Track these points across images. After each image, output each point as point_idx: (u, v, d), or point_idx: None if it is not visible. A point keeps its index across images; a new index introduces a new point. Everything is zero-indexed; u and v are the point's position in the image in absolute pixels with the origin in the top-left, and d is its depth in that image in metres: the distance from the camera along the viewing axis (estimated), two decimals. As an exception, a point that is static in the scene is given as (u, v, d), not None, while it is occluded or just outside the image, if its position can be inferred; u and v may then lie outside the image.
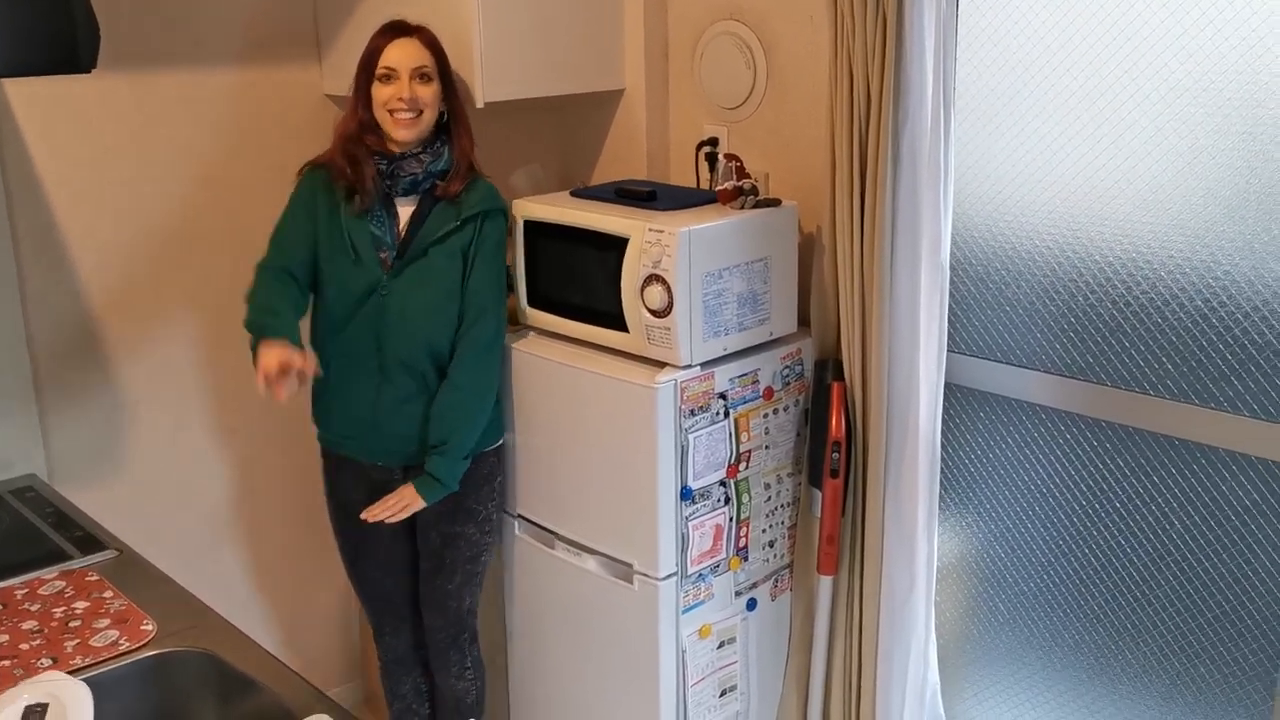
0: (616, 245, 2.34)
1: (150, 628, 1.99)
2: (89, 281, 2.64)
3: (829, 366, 2.49)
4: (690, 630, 2.44)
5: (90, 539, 2.31)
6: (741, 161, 2.44)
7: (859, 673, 2.58)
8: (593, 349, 2.46)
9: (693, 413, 2.33)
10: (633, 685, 2.47)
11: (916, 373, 2.38)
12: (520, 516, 2.67)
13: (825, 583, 2.56)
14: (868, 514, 2.48)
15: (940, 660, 2.69)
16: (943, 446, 2.53)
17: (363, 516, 2.48)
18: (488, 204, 2.45)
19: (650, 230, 2.27)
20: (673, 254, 2.24)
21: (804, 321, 2.56)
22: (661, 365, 2.33)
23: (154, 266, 2.72)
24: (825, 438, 2.45)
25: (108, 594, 2.09)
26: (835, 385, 2.45)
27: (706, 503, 2.41)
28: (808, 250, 2.55)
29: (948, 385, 2.55)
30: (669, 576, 2.38)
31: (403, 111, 2.35)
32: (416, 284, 2.42)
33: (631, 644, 2.45)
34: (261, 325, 2.34)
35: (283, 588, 3.12)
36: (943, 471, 2.62)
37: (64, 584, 2.12)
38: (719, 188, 2.43)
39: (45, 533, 2.33)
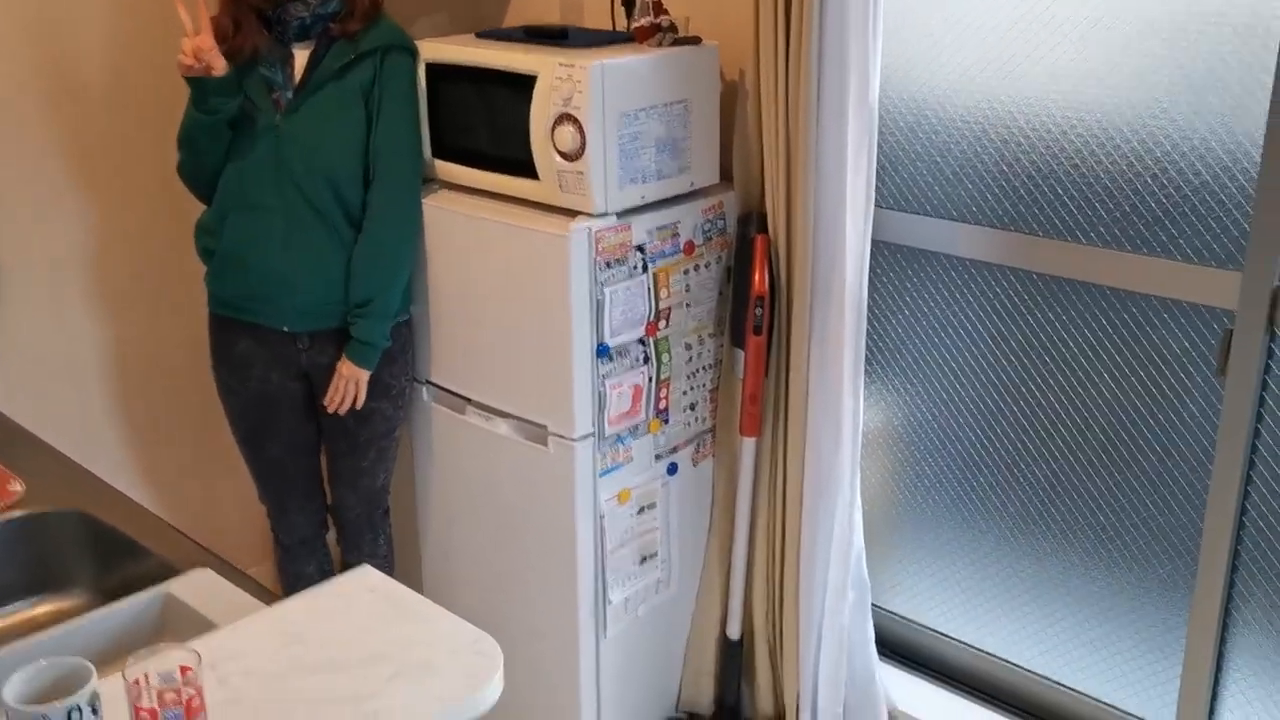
0: (524, 85, 2.18)
1: (18, 489, 1.85)
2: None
3: (752, 220, 2.38)
4: (609, 495, 2.35)
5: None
6: (660, -1, 2.29)
7: (783, 537, 2.52)
8: (503, 201, 2.32)
9: (609, 265, 2.21)
10: (550, 553, 2.38)
11: (843, 226, 2.28)
12: (430, 383, 2.54)
13: (748, 444, 2.47)
14: (791, 373, 2.39)
15: (866, 525, 2.63)
16: (870, 304, 2.45)
17: (330, 410, 2.39)
18: (388, 39, 2.29)
19: (560, 66, 2.12)
20: (584, 91, 2.09)
21: (727, 176, 2.44)
22: (575, 215, 2.20)
23: (25, 111, 2.50)
24: (748, 295, 2.35)
25: (-24, 459, 1.94)
26: (759, 238, 2.34)
27: (624, 361, 2.30)
28: (730, 100, 2.42)
29: (875, 242, 2.46)
30: (585, 438, 2.28)
31: None
32: (312, 121, 2.27)
33: (548, 510, 2.35)
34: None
35: (184, 468, 2.98)
36: (870, 331, 2.54)
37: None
38: (635, 24, 2.28)
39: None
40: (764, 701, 2.64)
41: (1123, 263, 2.15)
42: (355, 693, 1.30)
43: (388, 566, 2.69)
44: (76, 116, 2.55)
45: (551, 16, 2.69)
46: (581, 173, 2.15)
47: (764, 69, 2.25)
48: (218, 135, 2.27)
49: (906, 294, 2.50)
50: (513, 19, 2.81)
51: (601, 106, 2.11)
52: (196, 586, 1.59)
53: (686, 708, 2.70)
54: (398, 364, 2.50)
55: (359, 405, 2.41)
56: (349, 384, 2.39)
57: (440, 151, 2.39)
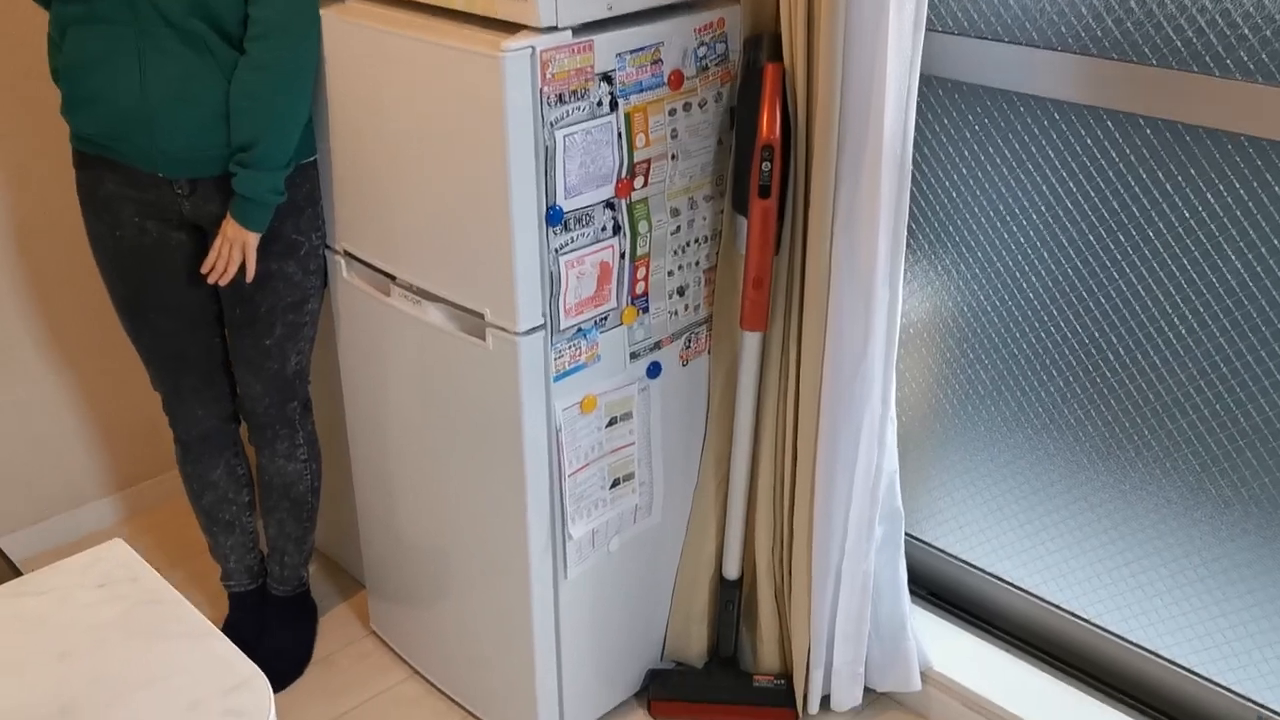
0: None
1: None
2: None
3: (763, 44, 1.78)
4: (568, 402, 1.82)
5: None
6: None
7: (794, 457, 1.99)
8: (427, 12, 1.74)
9: (561, 99, 1.64)
10: (493, 474, 1.87)
11: (883, 53, 1.68)
12: (347, 254, 2.00)
13: (751, 340, 1.93)
14: (809, 248, 1.82)
15: (901, 442, 2.10)
16: (915, 159, 1.86)
17: (209, 280, 1.91)
18: None
19: None
20: None
21: (731, -15, 1.84)
22: (517, 30, 1.62)
23: None
24: (754, 145, 1.77)
25: None
26: (769, 67, 1.75)
27: (586, 231, 1.74)
28: (738, -122, 1.80)
29: (925, 76, 1.88)
30: (533, 330, 1.74)
31: None
32: None
33: (488, 421, 1.83)
34: None
35: (75, 349, 2.49)
36: (914, 194, 1.96)
37: None
38: None
39: None
40: (768, 654, 2.15)
41: (1266, 100, 1.54)
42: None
43: (309, 473, 2.20)
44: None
45: None
46: (521, -31, 1.56)
47: None
48: None
49: (964, 145, 1.91)
50: None
51: (546, -128, 1.52)
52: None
53: (674, 657, 2.21)
54: (305, 216, 1.97)
55: (249, 275, 1.89)
56: (234, 247, 1.87)
57: (349, -52, 1.81)
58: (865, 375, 1.87)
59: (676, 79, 1.78)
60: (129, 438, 2.64)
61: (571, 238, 1.73)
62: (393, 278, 1.91)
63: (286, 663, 2.26)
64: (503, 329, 1.74)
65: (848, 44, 1.70)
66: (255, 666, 0.84)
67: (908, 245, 1.91)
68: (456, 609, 2.07)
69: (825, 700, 2.12)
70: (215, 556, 2.28)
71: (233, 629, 2.31)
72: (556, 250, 1.71)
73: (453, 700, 2.18)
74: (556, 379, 1.79)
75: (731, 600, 2.12)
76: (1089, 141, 1.76)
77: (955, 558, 2.18)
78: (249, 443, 2.19)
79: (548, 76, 1.61)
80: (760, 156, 1.76)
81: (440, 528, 2.03)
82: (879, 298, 1.82)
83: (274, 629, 2.29)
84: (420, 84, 1.70)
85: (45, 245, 2.39)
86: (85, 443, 2.59)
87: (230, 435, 2.18)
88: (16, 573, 1.09)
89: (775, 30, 1.79)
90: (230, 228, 1.86)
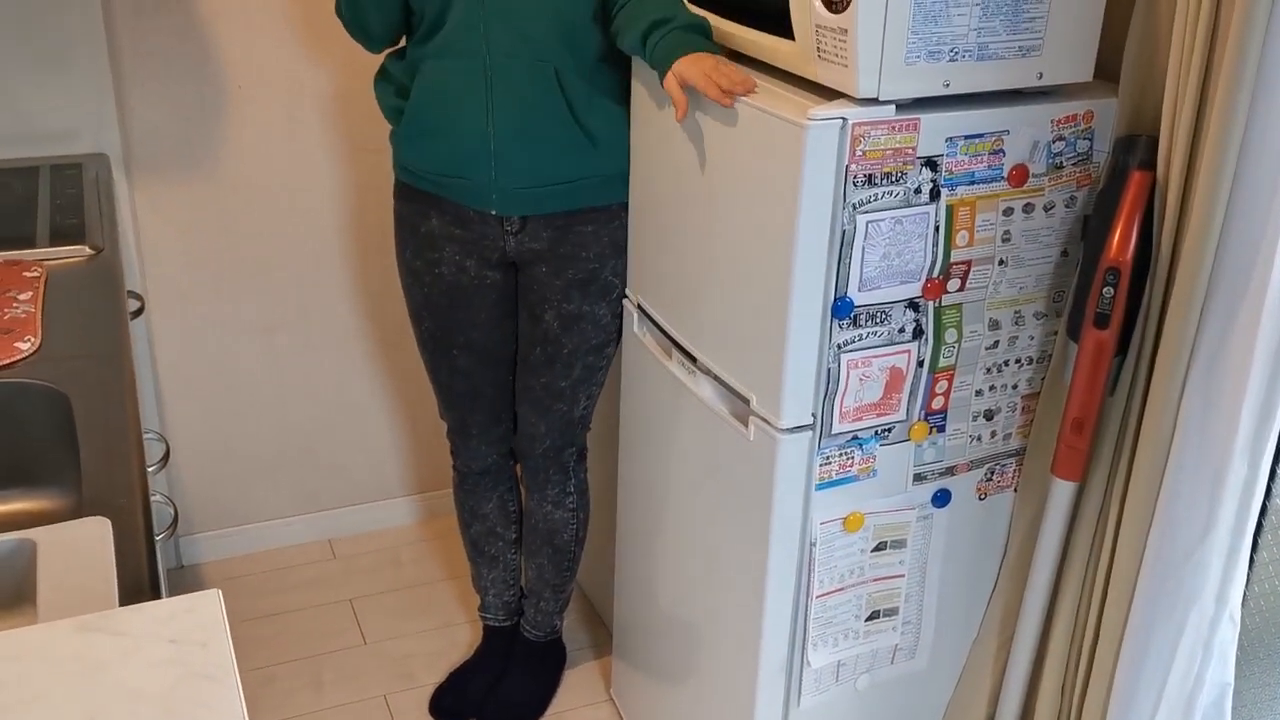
0: (796, -107, 1.43)
1: (28, 346, 1.44)
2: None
3: (1137, 148, 1.48)
4: (830, 516, 1.61)
5: (78, 230, 1.81)
6: None
7: (1094, 639, 1.65)
8: (751, 66, 1.60)
9: (871, 180, 1.44)
10: (735, 576, 1.69)
11: (1291, 175, 1.34)
12: (639, 307, 1.90)
13: (1062, 489, 1.62)
14: (1153, 398, 1.50)
15: (1245, 650, 1.69)
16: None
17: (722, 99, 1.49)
18: None
19: None
20: (865, -102, 1.31)
21: (1107, 74, 1.55)
22: (835, 97, 1.44)
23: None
24: (1098, 262, 1.48)
25: (24, 296, 1.57)
26: (1135, 174, 1.46)
27: (879, 330, 1.53)
28: (1141, -51, 1.51)
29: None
30: (798, 429, 1.54)
31: None
32: None
33: (740, 517, 1.66)
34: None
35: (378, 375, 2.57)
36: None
37: (-7, 272, 1.63)
38: None
39: (38, 213, 1.86)
40: None
41: None
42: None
43: (576, 522, 2.13)
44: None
45: None
46: (845, 30, 1.38)
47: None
48: None
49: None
50: None
51: (889, -73, 1.33)
52: (64, 545, 1.09)
53: (917, 823, 1.93)
54: (621, 260, 1.91)
55: (749, 86, 1.48)
56: (708, 63, 1.52)
57: (687, -10, 1.70)
58: (1199, 565, 1.51)
59: (1019, 174, 1.52)
60: (439, 447, 2.71)
61: (860, 334, 1.52)
62: (672, 340, 1.79)
63: (520, 710, 2.20)
64: (766, 421, 1.56)
65: (1242, 160, 1.37)
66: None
67: (1288, 415, 1.52)
68: (690, 701, 1.91)
69: None
70: (476, 587, 2.27)
71: (480, 660, 2.29)
72: (839, 346, 1.51)
73: (668, 798, 2.02)
74: (819, 487, 1.59)
75: (993, 780, 1.81)
76: None
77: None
78: (521, 482, 2.15)
79: (857, 154, 1.42)
80: (1103, 279, 1.46)
81: (687, 611, 1.88)
82: (1234, 472, 1.46)
83: (516, 673, 2.24)
84: (720, 141, 1.56)
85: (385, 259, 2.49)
86: (398, 444, 2.68)
87: (508, 470, 2.15)
88: (156, 592, 1.06)
89: (1156, 132, 1.48)
90: (692, 60, 1.53)
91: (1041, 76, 1.49)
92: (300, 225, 2.40)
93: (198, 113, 2.24)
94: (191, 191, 2.29)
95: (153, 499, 1.32)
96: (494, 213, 1.86)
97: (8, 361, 1.37)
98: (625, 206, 1.88)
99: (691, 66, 1.52)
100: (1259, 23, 1.31)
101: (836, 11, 1.39)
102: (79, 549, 1.08)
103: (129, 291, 1.85)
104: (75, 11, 2.05)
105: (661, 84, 1.58)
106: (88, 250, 1.73)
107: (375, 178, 2.39)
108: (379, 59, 1.91)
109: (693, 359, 1.73)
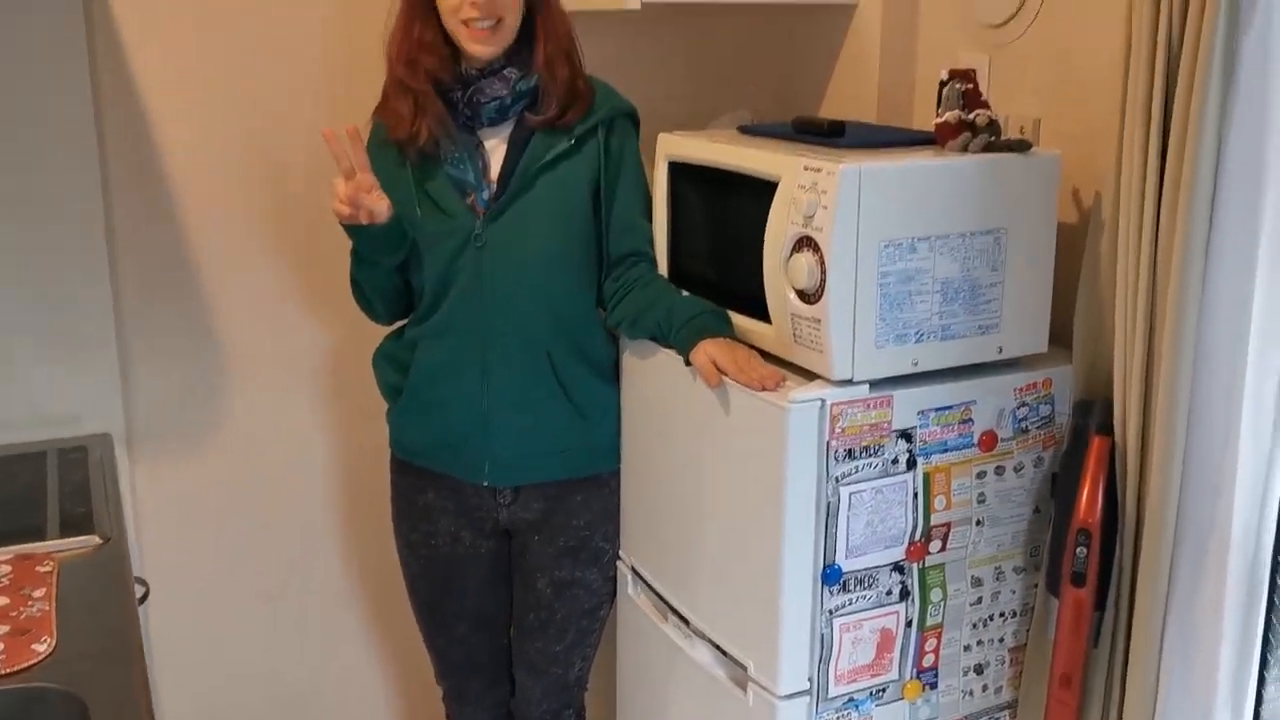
0: (767, 195, 1.58)
1: (44, 647, 1.47)
2: (186, 211, 2.22)
3: (1094, 412, 1.59)
4: (830, 780, 1.63)
5: (86, 519, 1.85)
6: (976, 84, 1.59)
7: None
8: (732, 347, 1.71)
9: (850, 454, 1.53)
10: (741, 841, 1.69)
11: (1234, 437, 1.45)
12: (633, 570, 1.95)
13: (1055, 745, 1.65)
14: (1134, 652, 1.55)
15: None
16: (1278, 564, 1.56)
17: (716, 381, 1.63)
18: (607, 108, 1.81)
19: (806, 170, 1.50)
20: (831, 205, 1.45)
21: (1060, 341, 1.67)
22: (814, 379, 1.55)
23: (265, 198, 2.26)
24: (1070, 523, 1.56)
25: (39, 593, 1.61)
26: (1095, 440, 1.56)
27: (868, 594, 1.59)
28: (1080, 232, 1.66)
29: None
30: (795, 696, 1.58)
31: (479, 21, 1.73)
32: (524, 225, 1.81)
33: (742, 782, 1.67)
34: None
35: (377, 633, 2.58)
36: (1273, 605, 1.64)
37: (9, 569, 1.67)
38: (937, 120, 1.61)
39: (47, 502, 1.91)
40: None
41: None
42: None
43: (572, 790, 2.11)
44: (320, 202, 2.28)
45: (867, 110, 2.07)
46: (818, 320, 1.50)
47: (1128, 181, 1.49)
48: (387, 278, 1.91)
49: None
50: (828, 113, 2.23)
51: (854, 228, 1.46)
52: None
53: None
54: (612, 524, 1.97)
55: (778, 380, 1.58)
56: (741, 354, 1.63)
57: (671, 274, 1.83)
58: (1195, 816, 1.53)
59: (988, 440, 1.62)
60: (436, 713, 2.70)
61: (850, 599, 1.58)
62: (669, 604, 1.84)
63: None
64: (763, 687, 1.60)
65: (1194, 415, 1.48)
66: None
67: (1263, 661, 1.58)
68: None
69: None
70: None
71: None
72: (831, 611, 1.57)
73: None
74: (819, 751, 1.62)
75: None
76: None
77: None
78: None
79: (837, 430, 1.51)
80: (1075, 539, 1.55)
81: None
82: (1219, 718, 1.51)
83: None
84: (707, 417, 1.66)
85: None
86: (393, 708, 2.66)
87: (504, 735, 2.15)
88: None
89: (1110, 397, 1.60)
90: (714, 346, 1.64)
91: (1001, 350, 1.61)
92: (297, 494, 2.45)
93: (201, 386, 2.32)
94: (190, 464, 2.34)
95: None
96: (487, 484, 1.93)
97: (26, 665, 1.39)
98: (616, 474, 1.95)
99: (725, 352, 1.62)
100: (1194, 291, 1.43)
101: (810, 303, 1.51)
102: None
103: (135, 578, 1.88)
104: (85, 294, 2.15)
105: (685, 359, 1.68)
106: (96, 540, 1.78)
107: (375, 440, 2.46)
108: (377, 330, 2.02)
109: (687, 625, 1.78)
